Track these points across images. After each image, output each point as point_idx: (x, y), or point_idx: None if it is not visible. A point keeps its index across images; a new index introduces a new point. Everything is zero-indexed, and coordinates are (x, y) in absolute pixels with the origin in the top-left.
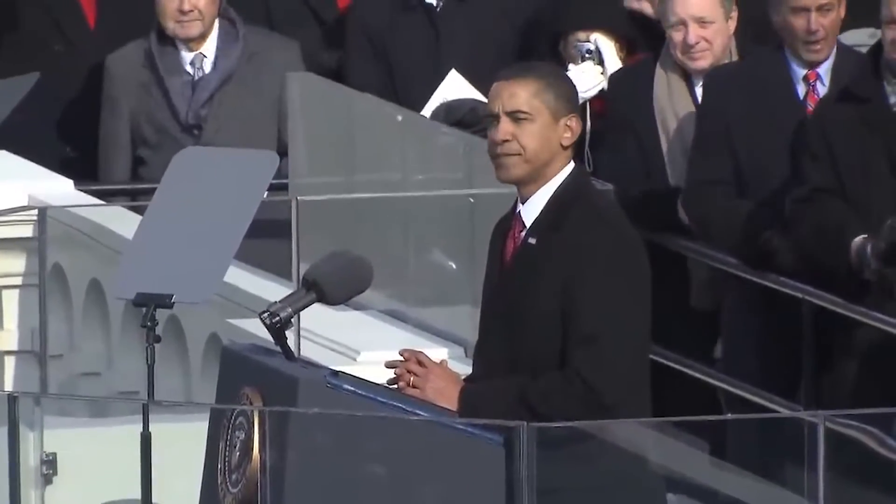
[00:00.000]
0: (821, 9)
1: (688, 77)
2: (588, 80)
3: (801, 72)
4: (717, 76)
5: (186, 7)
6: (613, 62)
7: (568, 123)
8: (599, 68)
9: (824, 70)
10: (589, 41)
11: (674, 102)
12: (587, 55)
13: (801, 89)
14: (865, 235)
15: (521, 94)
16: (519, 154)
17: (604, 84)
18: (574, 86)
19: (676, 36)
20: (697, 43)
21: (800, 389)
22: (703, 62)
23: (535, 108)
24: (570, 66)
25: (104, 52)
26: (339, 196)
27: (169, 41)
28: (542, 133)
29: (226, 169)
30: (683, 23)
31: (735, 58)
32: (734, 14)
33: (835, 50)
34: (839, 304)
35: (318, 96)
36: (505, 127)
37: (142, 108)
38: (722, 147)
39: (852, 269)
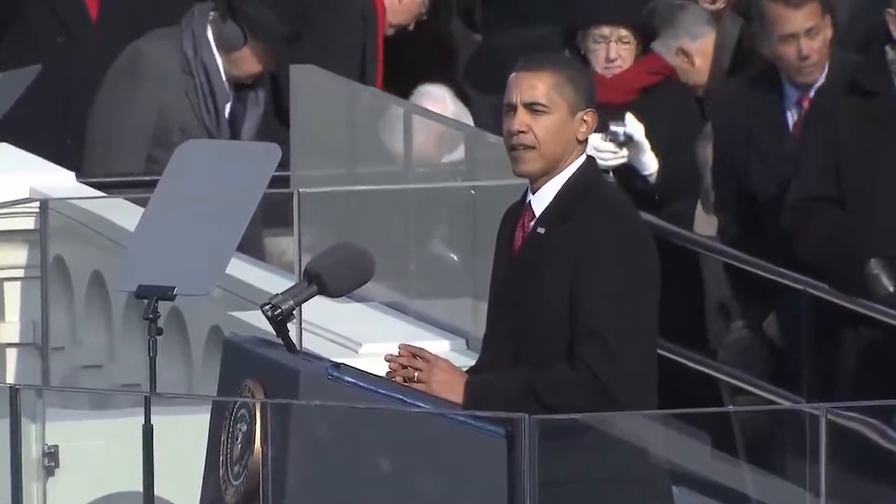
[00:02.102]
0: (808, 33)
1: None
2: (610, 156)
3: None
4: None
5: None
6: (643, 143)
7: (584, 118)
8: (624, 150)
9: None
10: (623, 125)
11: None
12: (619, 139)
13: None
14: (876, 259)
15: (541, 86)
16: (534, 147)
17: (624, 160)
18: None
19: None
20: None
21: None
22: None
23: (554, 102)
24: (596, 137)
25: (106, 45)
26: (341, 188)
27: (210, 58)
28: (559, 126)
29: (228, 161)
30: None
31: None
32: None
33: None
34: (840, 297)
35: (320, 88)
36: (521, 118)
37: (178, 112)
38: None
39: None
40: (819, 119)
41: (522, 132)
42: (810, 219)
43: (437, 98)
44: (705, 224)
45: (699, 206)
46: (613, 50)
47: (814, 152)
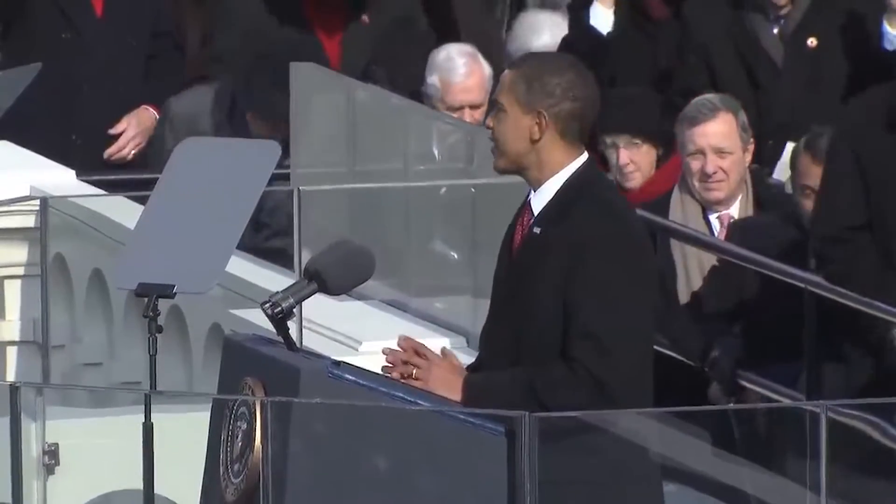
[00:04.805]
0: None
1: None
2: None
3: None
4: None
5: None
6: None
7: (536, 118)
8: None
9: None
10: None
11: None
12: None
13: None
14: None
15: (504, 84)
16: (496, 144)
17: None
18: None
19: (694, 165)
20: (715, 172)
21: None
22: (720, 193)
23: (508, 101)
24: None
25: (111, 41)
26: (341, 186)
27: (241, 124)
28: (511, 125)
29: (228, 159)
30: (702, 152)
31: (750, 189)
32: (751, 146)
33: None
34: (842, 295)
35: (320, 86)
36: (491, 116)
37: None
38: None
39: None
40: (844, 145)
41: (489, 128)
42: (845, 253)
43: (470, 54)
44: (680, 212)
45: (676, 192)
46: (625, 155)
47: (842, 180)
